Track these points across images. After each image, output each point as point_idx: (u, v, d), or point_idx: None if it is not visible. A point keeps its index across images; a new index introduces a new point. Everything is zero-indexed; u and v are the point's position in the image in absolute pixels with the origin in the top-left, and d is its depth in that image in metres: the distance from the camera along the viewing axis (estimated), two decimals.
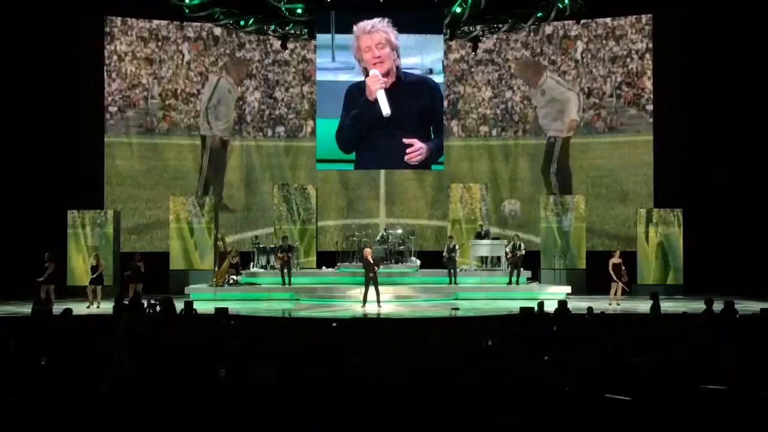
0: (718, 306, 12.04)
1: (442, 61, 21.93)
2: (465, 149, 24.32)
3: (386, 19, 21.02)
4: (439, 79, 21.78)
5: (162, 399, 4.97)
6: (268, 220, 23.17)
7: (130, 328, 8.38)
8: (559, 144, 23.76)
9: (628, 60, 23.40)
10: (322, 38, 21.77)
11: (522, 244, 19.39)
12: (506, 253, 19.73)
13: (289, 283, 19.19)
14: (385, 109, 20.70)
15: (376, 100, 20.74)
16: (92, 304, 17.34)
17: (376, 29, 20.95)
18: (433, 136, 21.58)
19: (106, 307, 16.19)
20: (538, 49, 23.94)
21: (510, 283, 19.34)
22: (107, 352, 7.50)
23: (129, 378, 5.31)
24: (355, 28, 21.08)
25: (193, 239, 21.58)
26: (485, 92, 24.32)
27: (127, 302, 11.84)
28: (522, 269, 19.59)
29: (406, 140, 21.29)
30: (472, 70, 24.33)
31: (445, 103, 23.24)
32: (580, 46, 23.73)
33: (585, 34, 23.66)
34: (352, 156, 21.73)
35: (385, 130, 21.06)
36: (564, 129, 23.73)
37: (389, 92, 20.89)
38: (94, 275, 17.75)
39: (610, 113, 23.51)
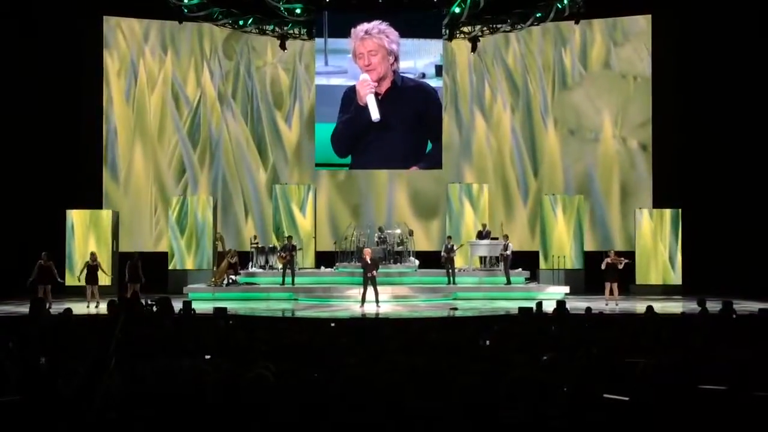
0: (716, 305, 12.05)
1: (436, 65, 21.81)
2: (466, 150, 24.28)
3: (384, 23, 21.03)
4: (435, 83, 21.77)
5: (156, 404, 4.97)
6: (265, 221, 23.22)
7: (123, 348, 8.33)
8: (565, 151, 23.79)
9: (627, 60, 23.40)
10: (318, 42, 21.80)
11: (510, 245, 19.41)
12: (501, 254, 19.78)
13: (293, 283, 19.18)
14: (374, 114, 20.86)
15: (366, 105, 20.89)
16: (90, 303, 17.31)
17: (370, 36, 21.00)
18: (430, 145, 21.63)
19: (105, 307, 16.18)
20: (538, 50, 23.92)
21: (508, 282, 19.39)
22: (101, 360, 7.44)
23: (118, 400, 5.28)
24: (352, 31, 21.13)
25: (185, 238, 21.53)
26: (486, 92, 24.27)
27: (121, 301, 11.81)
28: (516, 269, 19.70)
29: (406, 171, 22.38)
30: (471, 70, 24.31)
31: (445, 105, 23.23)
32: (578, 46, 23.73)
33: (584, 34, 23.66)
34: (348, 159, 21.81)
35: (381, 133, 21.16)
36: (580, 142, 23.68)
37: (384, 97, 21.01)
38: (91, 274, 17.71)
39: (609, 113, 23.51)
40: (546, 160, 23.77)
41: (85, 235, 20.94)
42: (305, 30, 22.42)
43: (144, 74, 23.53)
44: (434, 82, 21.81)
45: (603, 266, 17.47)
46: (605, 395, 5.33)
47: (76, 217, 21.04)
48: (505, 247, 19.35)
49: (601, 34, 23.58)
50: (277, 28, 22.39)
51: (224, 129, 23.97)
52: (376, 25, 21.12)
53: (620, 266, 17.38)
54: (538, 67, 23.88)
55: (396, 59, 21.25)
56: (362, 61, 21.13)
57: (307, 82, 24.10)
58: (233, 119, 24.03)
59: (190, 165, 23.71)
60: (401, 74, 21.37)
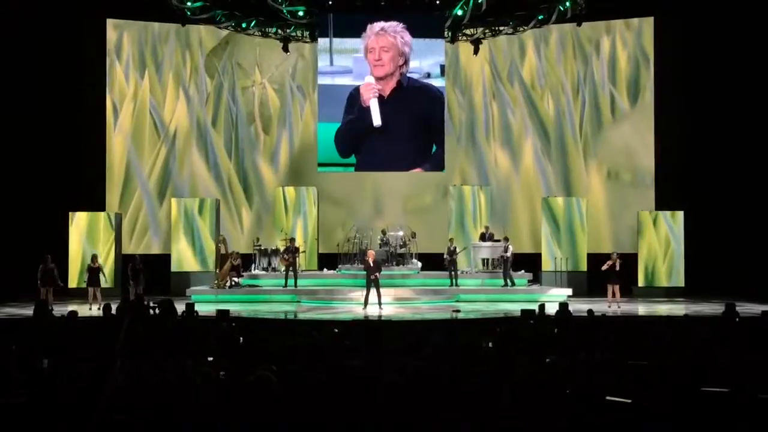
0: (719, 308, 12.04)
1: (441, 65, 21.82)
2: (468, 151, 24.27)
3: (401, 25, 21.08)
4: (438, 82, 21.78)
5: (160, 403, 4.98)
6: (268, 222, 23.21)
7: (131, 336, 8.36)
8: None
9: (630, 62, 23.38)
10: (322, 42, 21.81)
11: (509, 247, 19.37)
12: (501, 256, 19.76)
13: (295, 285, 19.19)
14: (376, 120, 20.89)
15: (369, 107, 20.94)
16: (92, 305, 17.30)
17: (386, 33, 21.03)
18: (434, 148, 21.63)
19: None
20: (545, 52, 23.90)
21: (504, 285, 19.35)
22: (109, 357, 7.46)
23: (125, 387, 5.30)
24: (368, 27, 21.16)
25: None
26: (490, 96, 24.25)
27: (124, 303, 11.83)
28: (519, 272, 19.73)
29: (413, 171, 22.20)
30: (471, 73, 24.31)
31: (458, 135, 23.30)
32: (582, 48, 23.71)
33: (586, 36, 23.65)
34: (353, 159, 21.80)
35: (385, 135, 21.16)
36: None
37: (389, 98, 21.02)
38: (93, 277, 17.71)
39: (612, 114, 23.49)
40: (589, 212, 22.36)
41: (87, 237, 20.92)
42: (308, 32, 22.42)
43: (168, 63, 23.51)
44: (439, 82, 21.80)
45: (604, 267, 17.32)
46: (608, 397, 5.33)
47: (78, 219, 21.03)
48: (505, 249, 19.33)
49: (626, 51, 23.37)
50: (279, 31, 22.40)
51: (202, 161, 23.74)
52: (393, 25, 21.16)
53: (617, 267, 17.27)
54: (566, 92, 23.66)
55: (406, 62, 21.24)
56: (372, 55, 21.12)
57: (300, 103, 24.07)
58: (213, 150, 23.77)
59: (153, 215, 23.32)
60: (407, 75, 21.37)
